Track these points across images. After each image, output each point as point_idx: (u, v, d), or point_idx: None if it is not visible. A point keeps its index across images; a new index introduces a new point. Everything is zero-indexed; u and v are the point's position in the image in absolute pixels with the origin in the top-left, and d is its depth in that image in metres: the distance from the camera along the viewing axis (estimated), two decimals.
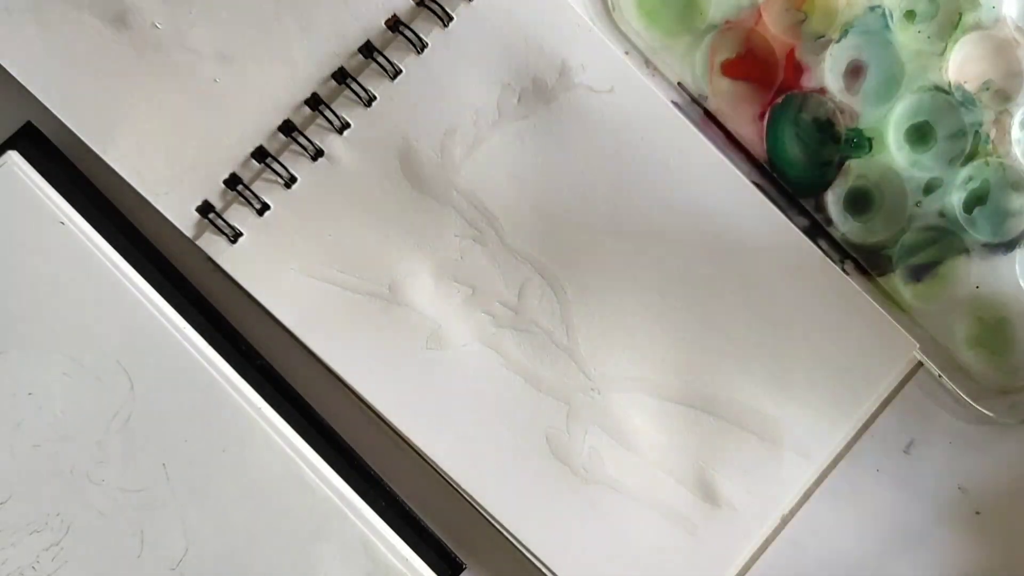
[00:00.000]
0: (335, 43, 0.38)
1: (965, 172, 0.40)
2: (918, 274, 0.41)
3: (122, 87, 0.37)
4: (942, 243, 0.41)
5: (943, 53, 0.40)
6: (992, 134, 0.40)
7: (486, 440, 0.38)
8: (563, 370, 0.38)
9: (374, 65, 0.38)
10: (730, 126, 0.40)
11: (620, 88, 0.39)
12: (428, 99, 0.38)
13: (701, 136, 0.39)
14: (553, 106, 0.39)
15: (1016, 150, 0.41)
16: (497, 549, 0.39)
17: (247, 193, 0.37)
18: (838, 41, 0.40)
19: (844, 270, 0.40)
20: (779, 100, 0.40)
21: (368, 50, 0.38)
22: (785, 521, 0.39)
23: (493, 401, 0.38)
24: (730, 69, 0.41)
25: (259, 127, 0.38)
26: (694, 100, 0.40)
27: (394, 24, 0.38)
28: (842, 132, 0.40)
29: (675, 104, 0.40)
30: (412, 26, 0.38)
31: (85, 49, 0.37)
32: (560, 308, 0.39)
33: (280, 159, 0.38)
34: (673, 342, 0.39)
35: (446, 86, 0.38)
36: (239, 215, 0.38)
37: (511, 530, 0.38)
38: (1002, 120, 0.40)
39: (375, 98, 0.38)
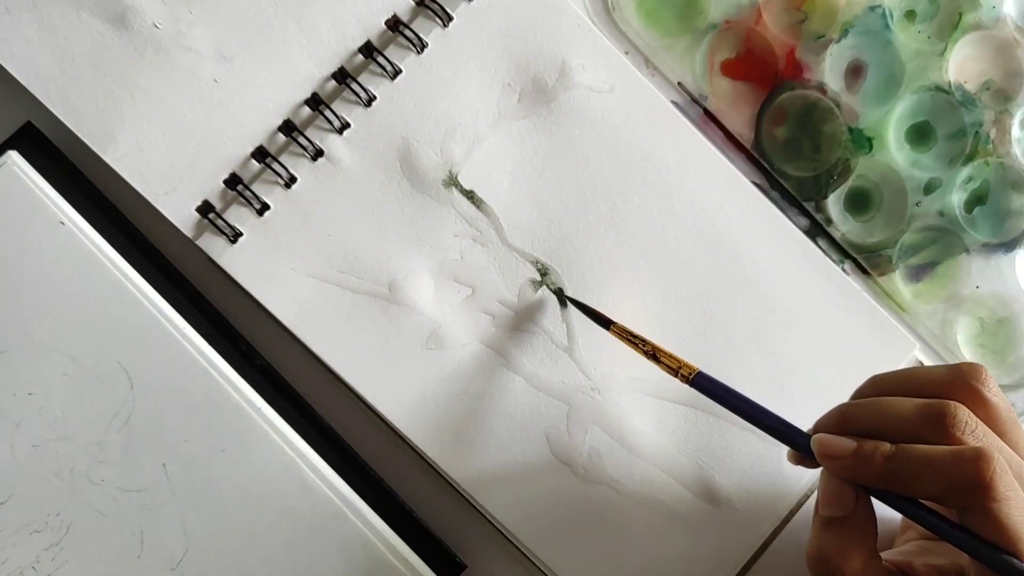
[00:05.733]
0: (335, 43, 0.38)
1: (965, 172, 0.40)
2: (918, 274, 0.41)
3: (122, 87, 0.37)
4: (942, 243, 0.41)
5: (943, 53, 0.40)
6: (992, 134, 0.40)
7: (486, 440, 0.38)
8: (563, 370, 0.38)
9: (374, 65, 0.38)
10: (730, 126, 0.40)
11: (620, 88, 0.39)
12: (428, 99, 0.38)
13: (701, 136, 0.39)
14: (553, 106, 0.39)
15: (1016, 150, 0.41)
16: (497, 549, 0.39)
17: (247, 193, 0.37)
18: (838, 41, 0.40)
19: (844, 270, 0.40)
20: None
21: (368, 50, 0.38)
22: (785, 521, 0.39)
23: (493, 401, 0.38)
24: (730, 69, 0.41)
25: (259, 127, 0.38)
26: (694, 100, 0.40)
27: (394, 24, 0.38)
28: (842, 132, 0.40)
29: (675, 104, 0.40)
30: (412, 26, 0.38)
31: (85, 49, 0.37)
32: (560, 308, 0.39)
33: (280, 159, 0.38)
34: (673, 342, 0.39)
35: (446, 86, 0.38)
36: (239, 215, 0.38)
37: (511, 530, 0.38)
38: (1002, 120, 0.41)
39: (375, 98, 0.38)
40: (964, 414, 0.29)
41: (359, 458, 0.38)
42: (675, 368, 0.35)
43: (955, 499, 0.28)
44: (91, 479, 0.36)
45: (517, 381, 0.38)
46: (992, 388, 0.30)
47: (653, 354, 0.35)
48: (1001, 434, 0.30)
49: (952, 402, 0.29)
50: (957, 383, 0.30)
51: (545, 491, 0.38)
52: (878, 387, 0.32)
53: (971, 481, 0.27)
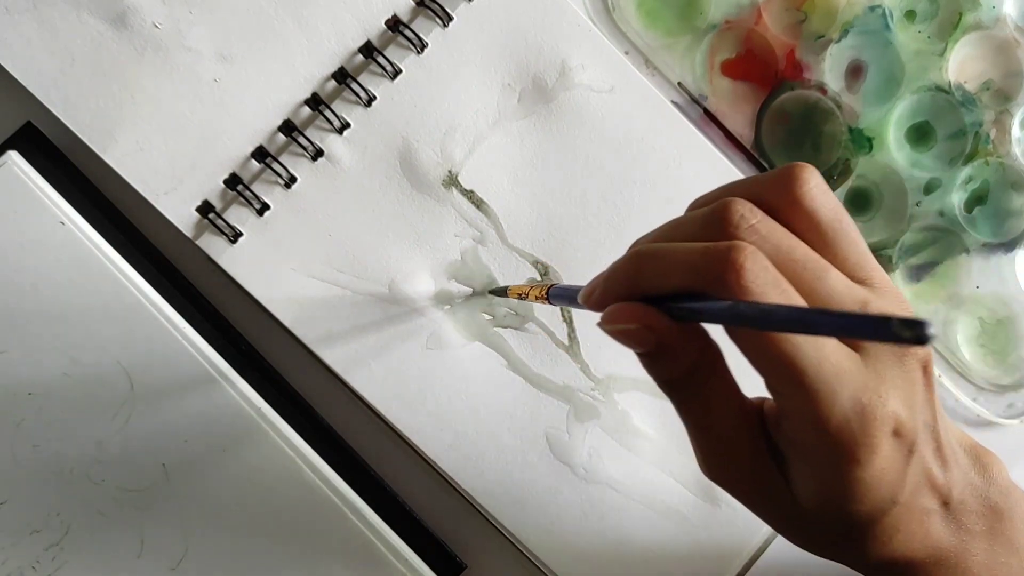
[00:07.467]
0: (335, 43, 0.38)
1: (965, 172, 0.40)
2: (918, 274, 0.41)
3: (122, 87, 0.37)
4: (942, 243, 0.41)
5: (943, 53, 0.40)
6: (992, 134, 0.40)
7: (486, 440, 0.38)
8: (563, 370, 0.38)
9: (374, 65, 0.38)
10: (730, 126, 0.40)
11: (620, 88, 0.39)
12: (428, 99, 0.38)
13: (701, 136, 0.39)
14: (553, 106, 0.39)
15: (1016, 150, 0.41)
16: (497, 549, 0.39)
17: (247, 193, 0.37)
18: (838, 41, 0.40)
19: None
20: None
21: (368, 50, 0.38)
22: None
23: (493, 401, 0.38)
24: (730, 69, 0.41)
25: (259, 127, 0.38)
26: (694, 100, 0.40)
27: (394, 24, 0.38)
28: (842, 132, 0.40)
29: (675, 104, 0.40)
30: (412, 26, 0.38)
31: (85, 49, 0.37)
32: (560, 308, 0.39)
33: (280, 159, 0.38)
34: None
35: (446, 86, 0.38)
36: (239, 215, 0.38)
37: (511, 530, 0.38)
38: (1002, 120, 0.41)
39: (375, 98, 0.38)
40: (741, 208, 0.25)
41: (359, 458, 0.38)
42: (544, 296, 0.32)
43: (704, 290, 0.24)
44: (91, 479, 0.36)
45: (517, 381, 0.38)
46: (809, 193, 0.26)
47: (525, 295, 0.33)
48: (822, 244, 0.26)
49: (731, 199, 0.25)
50: (776, 186, 0.26)
51: (545, 491, 0.38)
52: (699, 204, 0.28)
53: (716, 273, 0.24)
